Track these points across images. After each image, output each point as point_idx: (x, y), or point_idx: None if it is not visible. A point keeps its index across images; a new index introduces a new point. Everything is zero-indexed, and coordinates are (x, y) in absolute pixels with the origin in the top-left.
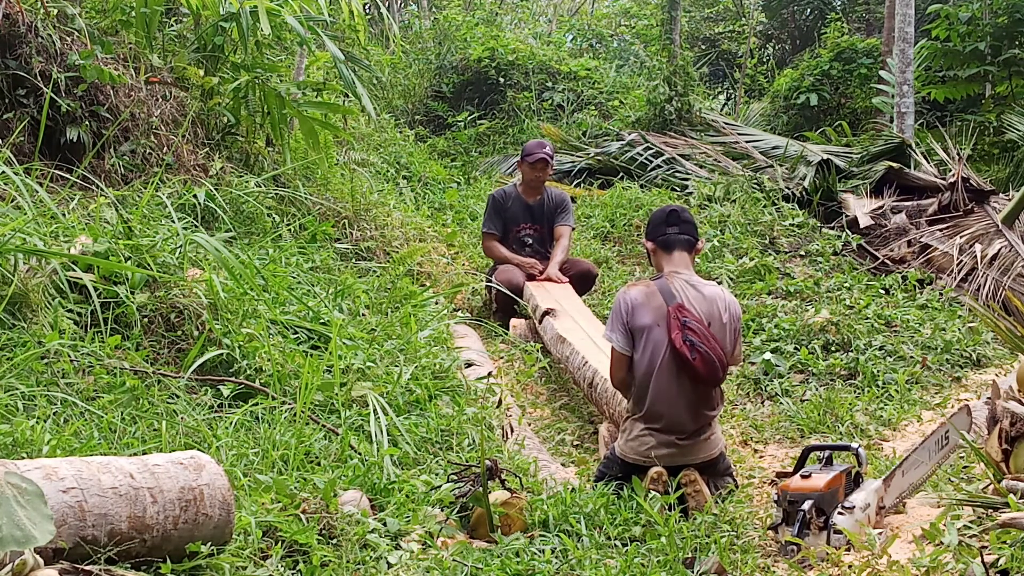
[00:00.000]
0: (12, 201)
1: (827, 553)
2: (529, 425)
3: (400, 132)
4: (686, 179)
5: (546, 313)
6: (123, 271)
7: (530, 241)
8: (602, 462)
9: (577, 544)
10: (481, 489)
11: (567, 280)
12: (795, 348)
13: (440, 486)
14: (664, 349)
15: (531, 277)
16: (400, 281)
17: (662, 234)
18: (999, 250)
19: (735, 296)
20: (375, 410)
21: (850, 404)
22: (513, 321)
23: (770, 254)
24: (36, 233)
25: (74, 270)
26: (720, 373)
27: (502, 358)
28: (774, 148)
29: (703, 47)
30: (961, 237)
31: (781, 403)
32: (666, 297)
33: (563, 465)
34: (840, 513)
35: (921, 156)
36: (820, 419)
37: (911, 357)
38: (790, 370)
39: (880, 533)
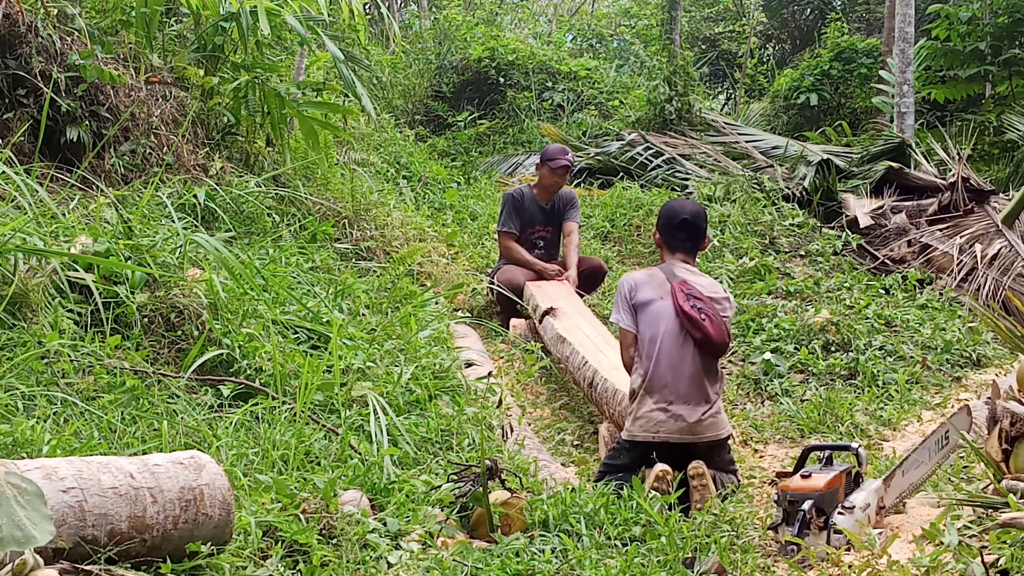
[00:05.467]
0: (12, 201)
1: (827, 553)
2: (529, 425)
3: (400, 132)
4: (686, 179)
5: (546, 313)
6: (123, 270)
7: (542, 244)
8: (608, 453)
9: (577, 544)
10: (481, 489)
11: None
12: (795, 348)
13: (440, 486)
14: (668, 318)
15: (540, 276)
16: (400, 281)
17: (670, 236)
18: (999, 250)
19: (734, 296)
20: (375, 410)
21: (850, 404)
22: (513, 321)
23: (770, 254)
24: (36, 233)
25: (74, 270)
26: (726, 336)
27: (502, 358)
28: (774, 148)
29: (703, 47)
30: (961, 237)
31: (781, 403)
32: (668, 276)
33: (563, 465)
34: (840, 513)
35: (921, 156)
36: (820, 419)
37: (911, 357)
38: (790, 370)
39: (880, 533)
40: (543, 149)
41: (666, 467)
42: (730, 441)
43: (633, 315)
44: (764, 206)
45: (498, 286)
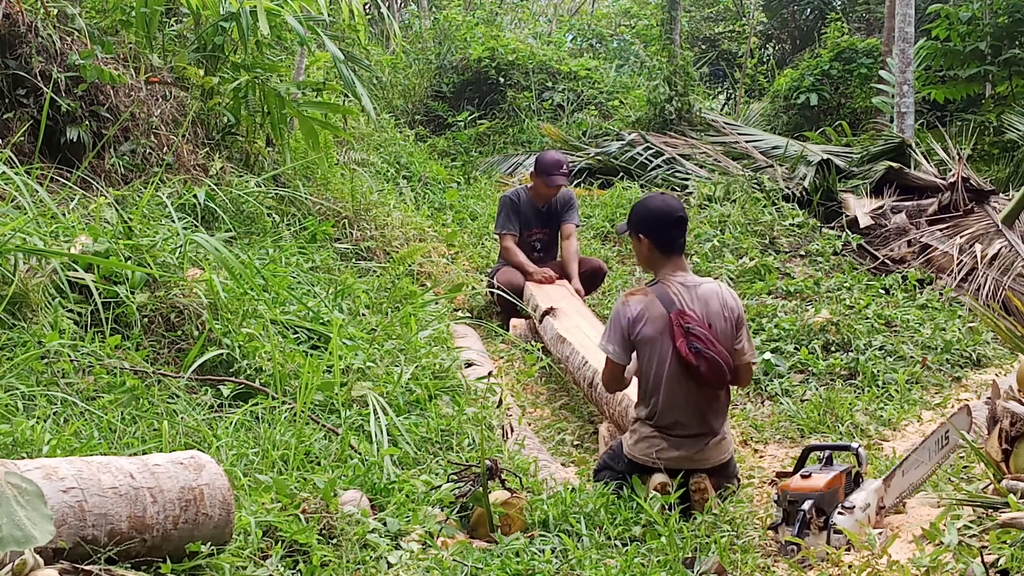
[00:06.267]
0: (12, 201)
1: (827, 553)
2: (529, 425)
3: (400, 132)
4: (686, 179)
5: (546, 313)
6: (123, 270)
7: (539, 246)
8: (607, 453)
9: (577, 544)
10: (481, 489)
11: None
12: (795, 348)
13: (440, 486)
14: (670, 357)
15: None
16: (400, 281)
17: (666, 236)
18: (999, 250)
19: None
20: (375, 410)
21: (850, 404)
22: (513, 321)
23: (770, 254)
24: (36, 233)
25: (74, 270)
26: (727, 376)
27: (502, 358)
28: (774, 148)
29: (703, 47)
30: (961, 237)
31: (781, 403)
32: (666, 304)
33: (563, 465)
34: (840, 513)
35: (921, 156)
36: (820, 419)
37: (911, 357)
38: (790, 370)
39: (880, 533)
40: (538, 156)
41: (665, 479)
42: (733, 456)
43: (628, 349)
44: (764, 206)
45: (498, 287)
